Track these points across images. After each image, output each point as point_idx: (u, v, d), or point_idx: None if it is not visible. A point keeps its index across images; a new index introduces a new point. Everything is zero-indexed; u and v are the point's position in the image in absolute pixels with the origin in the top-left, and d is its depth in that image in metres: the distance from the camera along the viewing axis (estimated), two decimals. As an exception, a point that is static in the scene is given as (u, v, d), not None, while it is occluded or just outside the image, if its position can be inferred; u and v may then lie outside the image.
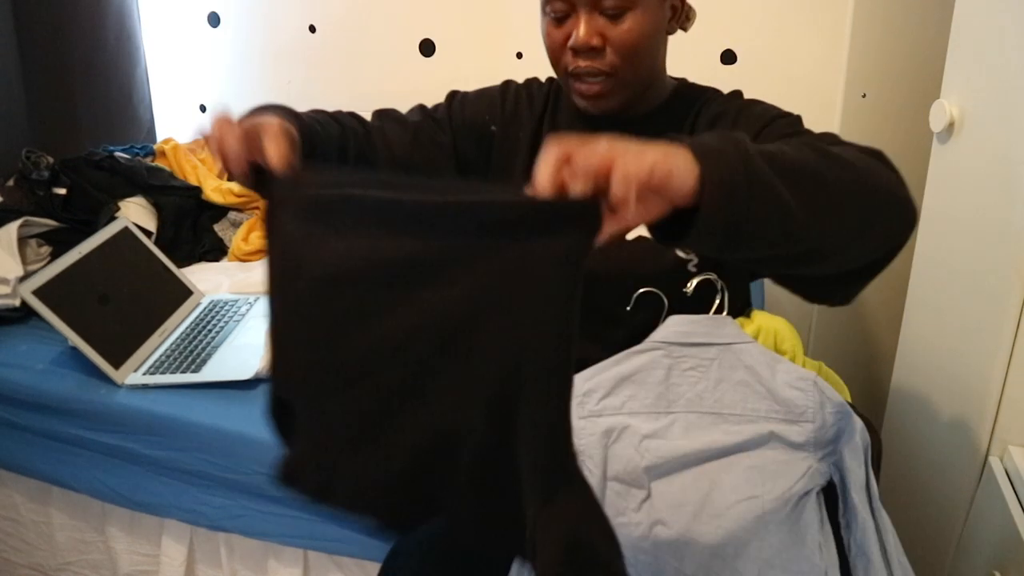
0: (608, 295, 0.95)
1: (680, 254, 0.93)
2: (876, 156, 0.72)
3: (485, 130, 1.05)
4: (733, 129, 0.89)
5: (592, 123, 0.97)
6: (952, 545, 1.12)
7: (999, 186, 1.02)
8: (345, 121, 0.98)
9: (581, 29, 0.87)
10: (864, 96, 1.78)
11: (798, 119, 0.90)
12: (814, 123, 0.90)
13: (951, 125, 1.14)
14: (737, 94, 0.99)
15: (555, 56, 0.93)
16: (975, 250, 1.09)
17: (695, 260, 0.92)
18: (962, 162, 1.14)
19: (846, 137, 0.77)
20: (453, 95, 1.10)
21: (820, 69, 1.82)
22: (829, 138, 0.79)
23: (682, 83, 1.03)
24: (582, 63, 0.89)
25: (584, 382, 0.91)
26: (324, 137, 0.90)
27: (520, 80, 1.13)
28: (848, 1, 1.72)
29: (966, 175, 1.13)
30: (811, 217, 0.60)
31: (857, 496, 0.82)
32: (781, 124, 0.87)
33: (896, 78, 1.74)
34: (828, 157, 0.65)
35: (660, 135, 0.92)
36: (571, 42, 0.88)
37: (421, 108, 1.08)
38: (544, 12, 0.92)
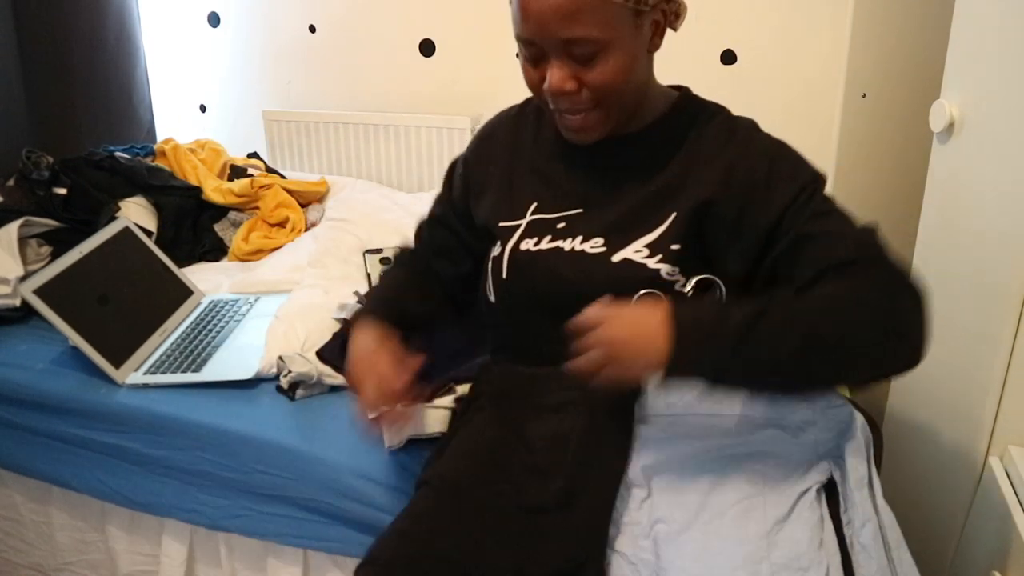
0: (589, 290, 0.92)
1: (667, 279, 0.90)
2: (902, 288, 0.79)
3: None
4: (766, 195, 0.87)
5: (596, 148, 0.95)
6: (952, 545, 1.12)
7: (999, 186, 1.02)
8: (425, 288, 1.09)
9: (554, 76, 0.84)
10: (864, 96, 1.78)
11: (824, 189, 0.88)
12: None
13: (951, 125, 1.14)
14: (752, 127, 0.94)
15: (535, 93, 0.91)
16: (975, 250, 1.09)
17: (681, 281, 0.90)
18: (962, 162, 1.14)
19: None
20: (452, 169, 1.12)
21: (820, 69, 1.82)
22: (862, 247, 0.82)
23: (684, 95, 0.98)
24: (561, 104, 0.88)
25: None
26: (423, 315, 1.07)
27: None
28: (848, 1, 1.73)
29: (966, 175, 1.13)
30: (799, 379, 0.80)
31: (858, 492, 0.82)
32: (809, 206, 0.85)
33: (896, 78, 1.74)
34: (835, 321, 0.77)
35: (657, 150, 0.94)
36: (545, 87, 0.86)
37: (430, 222, 1.14)
38: (520, 53, 0.90)
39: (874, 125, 1.79)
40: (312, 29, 2.28)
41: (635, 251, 0.90)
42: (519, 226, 0.98)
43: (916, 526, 1.22)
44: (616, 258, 0.91)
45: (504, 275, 0.98)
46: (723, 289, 0.91)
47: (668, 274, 0.89)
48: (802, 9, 1.80)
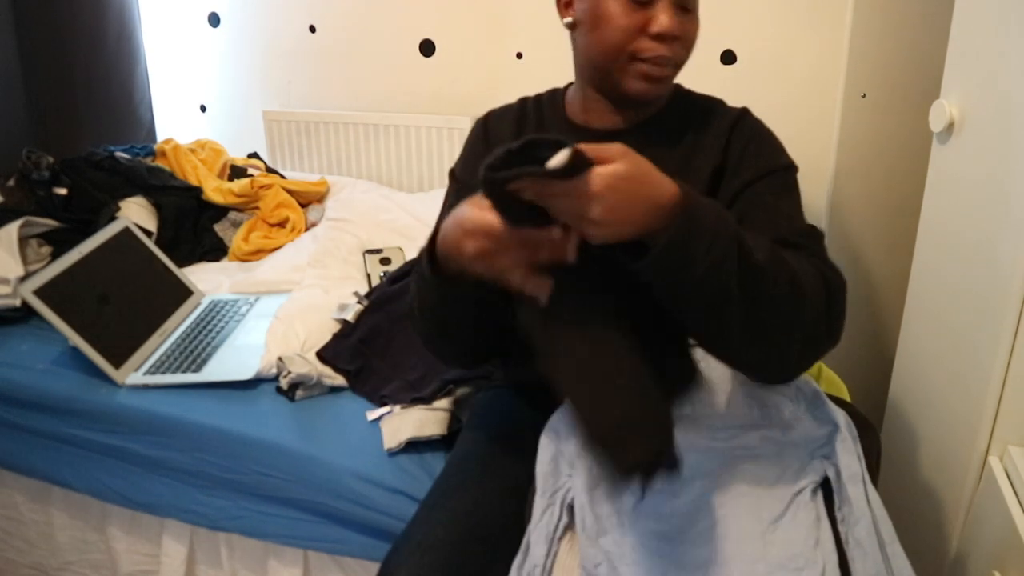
0: None
1: None
2: (827, 287, 0.81)
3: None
4: (743, 150, 0.94)
5: (588, 138, 0.96)
6: (952, 545, 1.12)
7: (999, 186, 1.02)
8: None
9: (669, 18, 0.88)
10: (864, 96, 1.78)
11: (794, 175, 0.95)
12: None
13: (951, 125, 1.14)
14: (745, 111, 1.00)
15: (624, 39, 0.90)
16: (975, 250, 1.09)
17: None
18: (962, 162, 1.14)
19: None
20: (452, 176, 1.08)
21: (820, 69, 1.82)
22: (808, 236, 0.87)
23: (678, 90, 1.03)
24: (662, 50, 0.90)
25: None
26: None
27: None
28: (848, 1, 1.72)
29: (966, 175, 1.13)
30: (745, 304, 0.74)
31: (852, 488, 0.82)
32: (777, 181, 0.93)
33: (896, 78, 1.74)
34: (786, 273, 0.77)
35: (662, 142, 0.95)
36: (657, 28, 0.88)
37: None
38: None
39: (874, 125, 1.79)
40: (312, 29, 2.28)
41: None
42: None
43: (916, 526, 1.22)
44: None
45: None
46: None
47: None
48: (802, 9, 1.80)
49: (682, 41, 0.91)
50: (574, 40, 0.98)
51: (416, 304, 0.96)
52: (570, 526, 0.85)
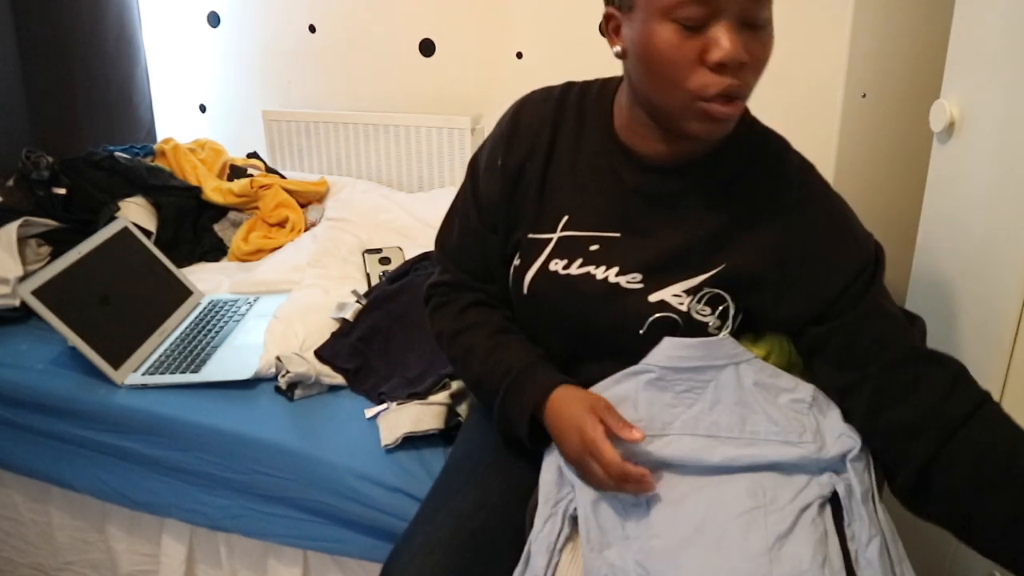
0: (620, 324, 0.91)
1: (697, 318, 0.88)
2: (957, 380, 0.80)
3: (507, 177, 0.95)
4: (821, 272, 0.84)
5: (633, 167, 0.87)
6: (952, 545, 1.12)
7: (999, 186, 1.02)
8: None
9: (734, 41, 0.72)
10: (864, 96, 1.78)
11: (882, 266, 0.86)
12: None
13: (951, 125, 1.14)
14: (808, 179, 0.87)
15: (679, 75, 0.74)
16: (975, 250, 1.09)
17: (713, 323, 0.89)
18: (962, 162, 1.14)
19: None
20: (473, 164, 0.99)
21: (820, 69, 1.82)
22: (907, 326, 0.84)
23: (743, 120, 0.87)
24: (727, 82, 0.73)
25: None
26: None
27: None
28: (848, 1, 1.72)
29: (966, 175, 1.13)
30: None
31: (864, 506, 0.80)
32: (870, 287, 0.84)
33: (896, 78, 1.74)
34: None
35: (712, 187, 0.87)
36: (719, 57, 0.72)
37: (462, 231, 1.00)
38: (664, 18, 0.74)
39: (874, 125, 1.79)
40: (312, 29, 2.28)
41: (673, 294, 0.87)
42: (549, 241, 0.91)
43: (916, 526, 1.22)
44: (653, 298, 0.87)
45: (525, 291, 0.92)
46: (730, 306, 0.89)
47: (699, 313, 0.87)
48: (802, 9, 1.80)
49: (752, 66, 0.74)
50: (624, 67, 0.85)
51: (466, 379, 0.99)
52: (571, 537, 0.85)
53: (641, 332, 0.88)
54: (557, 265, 0.90)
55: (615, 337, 0.90)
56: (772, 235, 0.85)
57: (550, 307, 0.92)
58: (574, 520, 0.85)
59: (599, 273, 0.88)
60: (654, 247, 0.87)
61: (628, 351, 0.90)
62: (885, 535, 0.79)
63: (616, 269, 0.88)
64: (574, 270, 0.89)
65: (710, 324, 0.89)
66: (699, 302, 0.87)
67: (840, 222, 0.86)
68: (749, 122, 0.89)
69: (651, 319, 0.87)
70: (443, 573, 0.82)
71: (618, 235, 0.89)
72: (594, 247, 0.89)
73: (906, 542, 0.81)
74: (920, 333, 0.95)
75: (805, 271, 0.85)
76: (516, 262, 0.94)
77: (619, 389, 0.90)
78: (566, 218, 0.90)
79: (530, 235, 0.92)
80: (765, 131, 0.90)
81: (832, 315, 0.84)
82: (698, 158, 0.86)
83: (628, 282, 0.88)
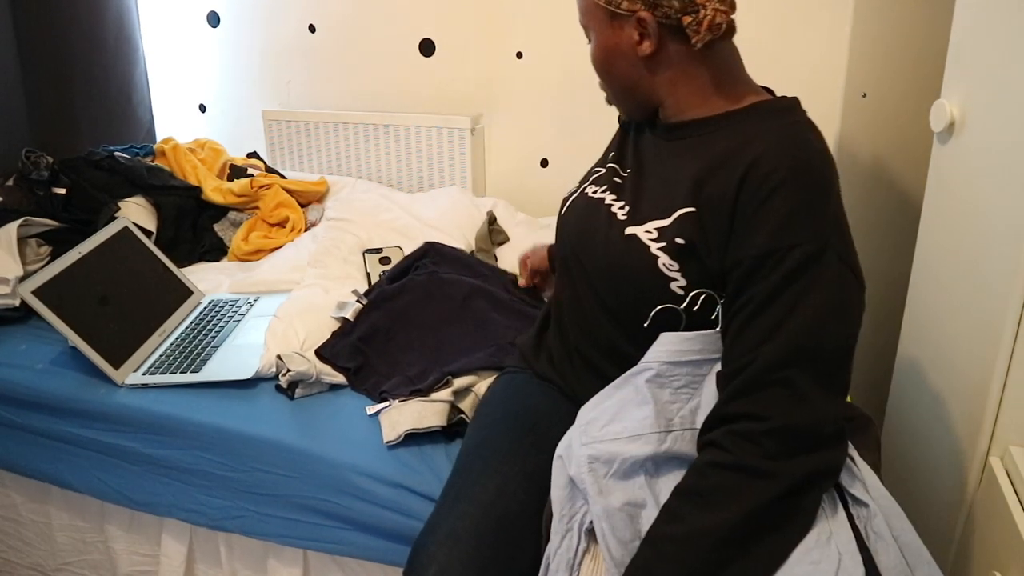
0: (624, 320, 0.95)
1: (664, 271, 0.89)
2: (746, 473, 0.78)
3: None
4: (745, 229, 0.83)
5: (650, 129, 1.03)
6: (952, 545, 1.12)
7: (999, 186, 1.02)
8: None
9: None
10: (864, 96, 1.78)
11: (813, 263, 0.78)
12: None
13: (951, 125, 1.14)
14: (790, 134, 0.86)
15: None
16: (975, 250, 1.09)
17: (680, 281, 0.89)
18: (962, 162, 1.14)
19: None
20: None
21: (820, 69, 1.82)
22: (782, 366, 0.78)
23: (753, 105, 0.92)
24: None
25: (587, 412, 0.92)
26: None
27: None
28: (848, 1, 1.73)
29: (966, 175, 1.13)
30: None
31: (870, 479, 0.83)
32: (777, 270, 0.79)
33: (896, 78, 1.74)
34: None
35: (700, 143, 0.92)
36: None
37: None
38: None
39: (874, 125, 1.79)
40: (312, 29, 2.28)
41: (646, 231, 0.91)
42: (596, 172, 1.07)
43: (916, 526, 1.22)
44: (628, 231, 0.92)
45: (562, 211, 1.07)
46: (720, 309, 0.89)
47: (666, 266, 0.88)
48: (802, 9, 1.80)
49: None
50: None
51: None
52: (588, 549, 0.86)
53: (645, 325, 0.93)
54: (589, 189, 1.04)
55: (619, 317, 0.96)
56: (734, 175, 0.84)
57: (566, 229, 1.05)
58: (590, 532, 0.86)
59: (608, 199, 1.00)
60: (646, 185, 0.97)
61: (635, 327, 0.93)
62: (884, 508, 0.82)
63: (621, 201, 0.98)
64: (598, 193, 1.02)
65: (674, 283, 0.88)
66: (667, 252, 0.88)
67: (798, 181, 0.81)
68: (758, 104, 0.92)
69: (621, 251, 0.92)
70: (469, 562, 0.85)
71: (631, 172, 1.01)
72: (616, 179, 1.02)
73: (907, 541, 0.81)
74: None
75: (736, 221, 0.83)
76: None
77: (623, 393, 0.91)
78: (612, 154, 1.07)
79: (595, 167, 1.10)
80: (780, 107, 0.91)
81: (731, 283, 0.84)
82: (689, 121, 0.94)
83: (620, 211, 0.96)
